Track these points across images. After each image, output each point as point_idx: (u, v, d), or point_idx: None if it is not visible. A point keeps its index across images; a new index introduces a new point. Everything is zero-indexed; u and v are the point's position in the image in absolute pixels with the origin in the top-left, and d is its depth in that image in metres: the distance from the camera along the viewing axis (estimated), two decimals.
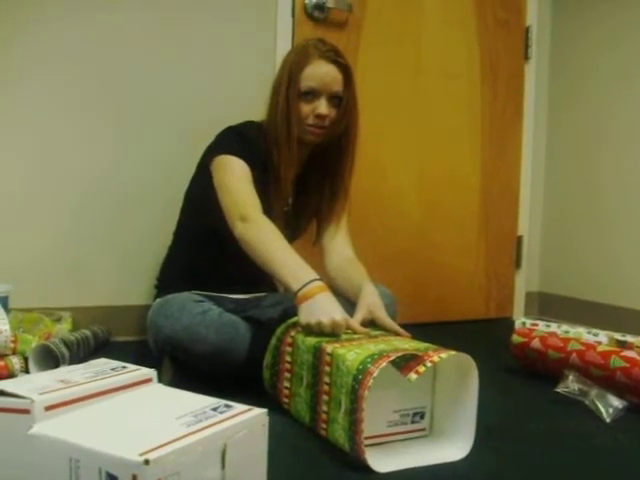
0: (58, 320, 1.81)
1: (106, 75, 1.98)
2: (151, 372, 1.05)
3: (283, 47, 2.06)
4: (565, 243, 2.60)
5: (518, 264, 2.65)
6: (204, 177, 1.60)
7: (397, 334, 1.33)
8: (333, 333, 1.24)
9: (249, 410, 0.83)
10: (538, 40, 2.60)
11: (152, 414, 0.82)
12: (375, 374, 1.03)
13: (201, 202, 1.66)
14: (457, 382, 1.15)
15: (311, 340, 1.23)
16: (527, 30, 2.57)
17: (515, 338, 1.69)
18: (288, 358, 1.29)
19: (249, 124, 1.66)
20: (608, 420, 1.32)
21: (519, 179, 2.62)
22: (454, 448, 1.13)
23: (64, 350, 1.53)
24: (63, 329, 1.75)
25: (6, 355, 1.46)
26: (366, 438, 1.04)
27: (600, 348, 1.49)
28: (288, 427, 1.23)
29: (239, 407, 0.84)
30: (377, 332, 1.32)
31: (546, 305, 2.67)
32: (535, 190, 2.67)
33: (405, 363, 1.07)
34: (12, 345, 1.48)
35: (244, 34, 2.12)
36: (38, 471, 0.73)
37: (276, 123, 1.58)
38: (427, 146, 2.42)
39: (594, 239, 2.46)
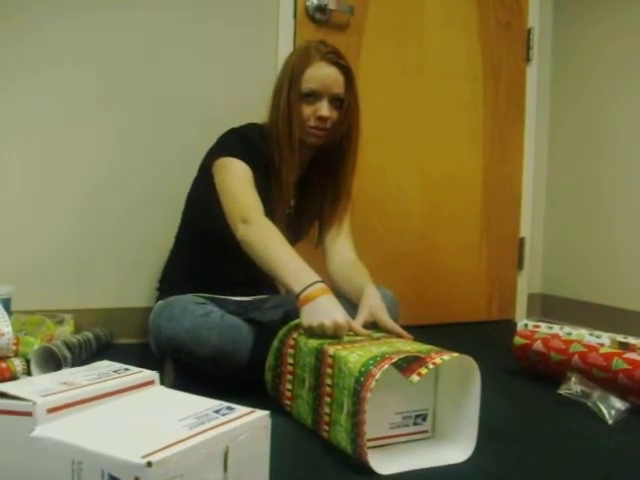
0: (60, 322, 1.81)
1: (108, 78, 1.98)
2: (153, 374, 1.05)
3: (285, 49, 2.07)
4: (567, 245, 2.60)
5: (520, 266, 2.65)
6: (206, 179, 1.60)
7: (399, 336, 1.33)
8: (335, 335, 1.24)
9: (251, 412, 0.83)
10: (540, 42, 2.60)
11: (154, 416, 0.82)
12: (377, 376, 1.02)
13: (203, 204, 1.66)
14: (459, 384, 1.15)
15: (313, 342, 1.23)
16: (529, 32, 2.57)
17: (517, 340, 1.69)
18: (290, 360, 1.29)
19: (251, 126, 1.66)
20: (610, 422, 1.32)
21: (521, 181, 2.62)
22: (456, 450, 1.13)
23: (66, 352, 1.53)
24: (65, 331, 1.76)
25: (8, 357, 1.46)
26: (368, 440, 1.04)
27: (602, 350, 1.49)
28: (290, 429, 1.23)
29: (241, 409, 0.84)
30: (379, 334, 1.31)
31: (548, 307, 2.67)
32: (537, 192, 2.67)
33: (407, 365, 1.07)
34: (14, 347, 1.48)
35: (246, 36, 2.13)
36: (40, 473, 0.73)
37: (278, 125, 1.58)
38: (429, 148, 2.42)
39: (596, 241, 2.46)
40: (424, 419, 1.20)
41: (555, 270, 2.67)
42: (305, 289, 1.29)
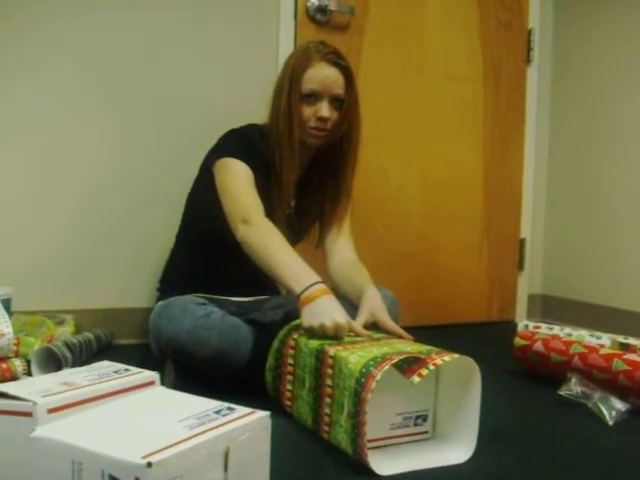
0: (61, 323, 1.81)
1: (108, 78, 1.98)
2: (154, 375, 1.05)
3: (285, 50, 2.07)
4: (568, 245, 2.60)
5: (521, 266, 2.65)
6: (206, 180, 1.60)
7: (400, 337, 1.33)
8: (336, 336, 1.24)
9: (252, 413, 0.83)
10: (540, 43, 2.60)
11: (155, 417, 0.82)
12: (378, 377, 1.02)
13: (203, 205, 1.66)
14: (460, 385, 1.15)
15: (314, 343, 1.23)
16: (529, 33, 2.57)
17: (518, 341, 1.69)
18: (291, 361, 1.29)
19: (252, 127, 1.66)
20: (611, 423, 1.32)
21: (522, 181, 2.62)
22: (457, 451, 1.13)
23: (67, 353, 1.53)
24: (66, 332, 1.76)
25: (9, 358, 1.46)
26: (369, 441, 1.04)
27: (603, 351, 1.49)
28: (290, 430, 1.23)
29: (242, 410, 0.84)
30: (380, 335, 1.31)
31: (549, 308, 2.67)
32: (538, 192, 2.67)
33: (408, 366, 1.07)
34: (15, 348, 1.48)
35: (246, 37, 2.13)
36: (41, 474, 0.73)
37: (278, 126, 1.58)
38: (429, 148, 2.42)
39: (597, 241, 2.46)
40: (424, 420, 1.20)
41: (556, 271, 2.67)
42: (306, 290, 1.29)
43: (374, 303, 1.41)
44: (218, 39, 2.10)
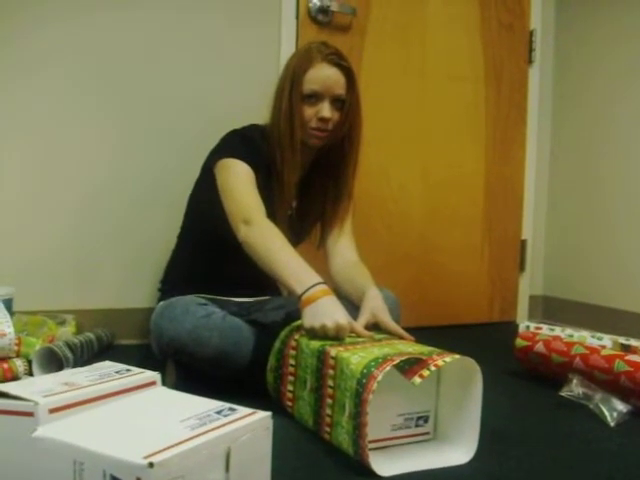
0: (62, 323, 1.81)
1: (108, 78, 1.98)
2: (155, 375, 1.05)
3: (287, 50, 2.07)
4: (569, 246, 2.60)
5: (522, 267, 2.65)
6: (208, 180, 1.60)
7: (401, 337, 1.33)
8: (337, 337, 1.24)
9: (253, 413, 0.83)
10: (542, 44, 2.60)
11: (156, 417, 0.82)
12: (379, 378, 1.02)
13: (205, 205, 1.66)
14: (461, 386, 1.15)
15: (315, 344, 1.23)
16: (531, 34, 2.57)
17: (519, 342, 1.69)
18: (292, 361, 1.29)
19: (253, 127, 1.66)
20: (612, 424, 1.32)
21: (523, 182, 2.62)
22: (458, 452, 1.13)
23: (68, 353, 1.53)
24: (67, 332, 1.76)
25: (10, 358, 1.46)
26: (370, 442, 1.04)
27: (604, 352, 1.48)
28: (292, 430, 1.23)
29: (243, 410, 0.84)
30: (381, 336, 1.31)
31: (550, 309, 2.67)
32: (539, 193, 2.67)
33: (409, 367, 1.07)
34: (16, 348, 1.48)
35: (248, 37, 2.13)
36: (42, 474, 0.73)
37: (279, 126, 1.58)
38: (431, 149, 2.42)
39: (598, 242, 2.45)
40: (426, 421, 1.20)
41: (557, 272, 2.66)
42: (307, 290, 1.29)
43: (375, 304, 1.41)
44: (219, 39, 2.10)
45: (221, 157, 1.58)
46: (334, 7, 2.16)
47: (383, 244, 2.33)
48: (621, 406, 1.35)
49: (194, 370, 1.44)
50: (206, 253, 1.69)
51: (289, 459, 1.08)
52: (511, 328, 2.13)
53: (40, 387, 0.93)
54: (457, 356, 1.10)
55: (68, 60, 1.94)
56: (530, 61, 2.59)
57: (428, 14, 2.37)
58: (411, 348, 1.17)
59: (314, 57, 1.56)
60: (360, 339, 1.26)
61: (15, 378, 1.42)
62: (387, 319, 1.39)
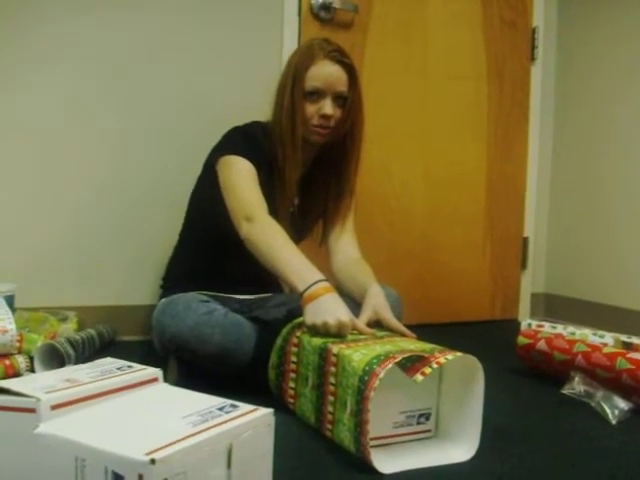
0: (64, 320, 1.81)
1: (108, 78, 1.98)
2: (157, 372, 1.05)
3: (289, 47, 2.06)
4: (571, 244, 2.59)
5: (524, 265, 2.65)
6: (210, 177, 1.60)
7: (403, 335, 1.33)
8: (339, 334, 1.24)
9: (255, 410, 0.83)
10: (544, 41, 2.59)
11: (158, 413, 0.82)
12: (381, 375, 1.02)
13: (207, 202, 1.66)
14: (463, 383, 1.15)
15: (317, 341, 1.23)
16: (533, 31, 2.57)
17: (521, 339, 1.69)
18: (294, 358, 1.29)
19: (255, 124, 1.66)
20: (614, 422, 1.32)
21: (525, 180, 2.62)
22: (460, 449, 1.13)
23: (69, 349, 1.53)
24: (69, 328, 1.76)
25: (12, 354, 1.47)
26: (372, 439, 1.04)
27: (606, 350, 1.48)
28: (293, 427, 1.23)
29: (245, 407, 0.84)
30: (383, 333, 1.31)
31: (552, 306, 2.67)
32: (541, 191, 2.67)
33: (411, 364, 1.07)
34: (18, 344, 1.48)
35: (250, 34, 2.12)
36: (44, 470, 0.73)
37: (281, 123, 1.58)
38: (433, 146, 2.42)
39: (600, 240, 2.45)
40: (427, 418, 1.20)
41: (559, 270, 2.66)
42: (309, 287, 1.29)
43: (377, 301, 1.41)
44: (220, 38, 2.10)
45: (223, 154, 1.58)
46: (336, 4, 2.16)
47: (385, 241, 2.33)
48: (623, 404, 1.35)
49: (196, 367, 1.44)
50: (208, 250, 1.69)
51: (291, 456, 1.08)
52: (513, 326, 2.13)
53: (42, 383, 0.93)
54: (459, 354, 1.10)
55: (68, 60, 1.93)
56: (532, 58, 2.58)
57: (430, 11, 2.37)
58: (413, 345, 1.17)
59: (316, 54, 1.56)
60: (362, 336, 1.26)
61: (17, 374, 1.42)
62: (389, 316, 1.39)
